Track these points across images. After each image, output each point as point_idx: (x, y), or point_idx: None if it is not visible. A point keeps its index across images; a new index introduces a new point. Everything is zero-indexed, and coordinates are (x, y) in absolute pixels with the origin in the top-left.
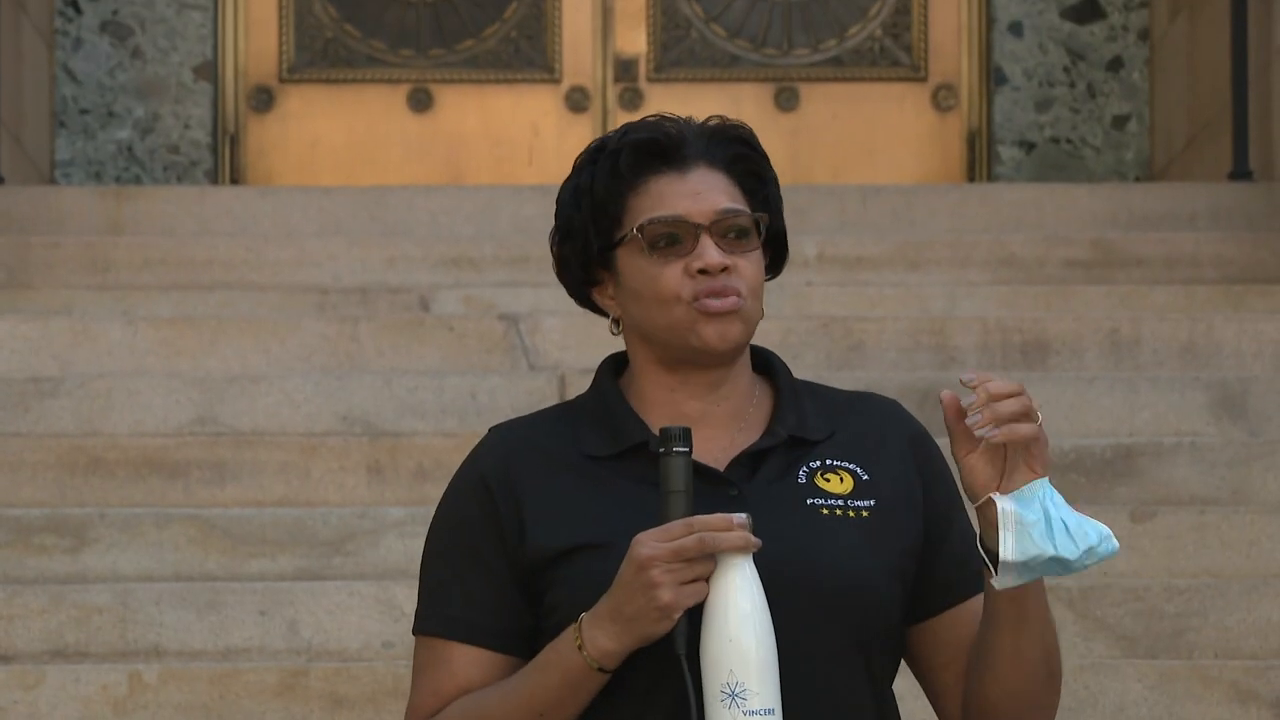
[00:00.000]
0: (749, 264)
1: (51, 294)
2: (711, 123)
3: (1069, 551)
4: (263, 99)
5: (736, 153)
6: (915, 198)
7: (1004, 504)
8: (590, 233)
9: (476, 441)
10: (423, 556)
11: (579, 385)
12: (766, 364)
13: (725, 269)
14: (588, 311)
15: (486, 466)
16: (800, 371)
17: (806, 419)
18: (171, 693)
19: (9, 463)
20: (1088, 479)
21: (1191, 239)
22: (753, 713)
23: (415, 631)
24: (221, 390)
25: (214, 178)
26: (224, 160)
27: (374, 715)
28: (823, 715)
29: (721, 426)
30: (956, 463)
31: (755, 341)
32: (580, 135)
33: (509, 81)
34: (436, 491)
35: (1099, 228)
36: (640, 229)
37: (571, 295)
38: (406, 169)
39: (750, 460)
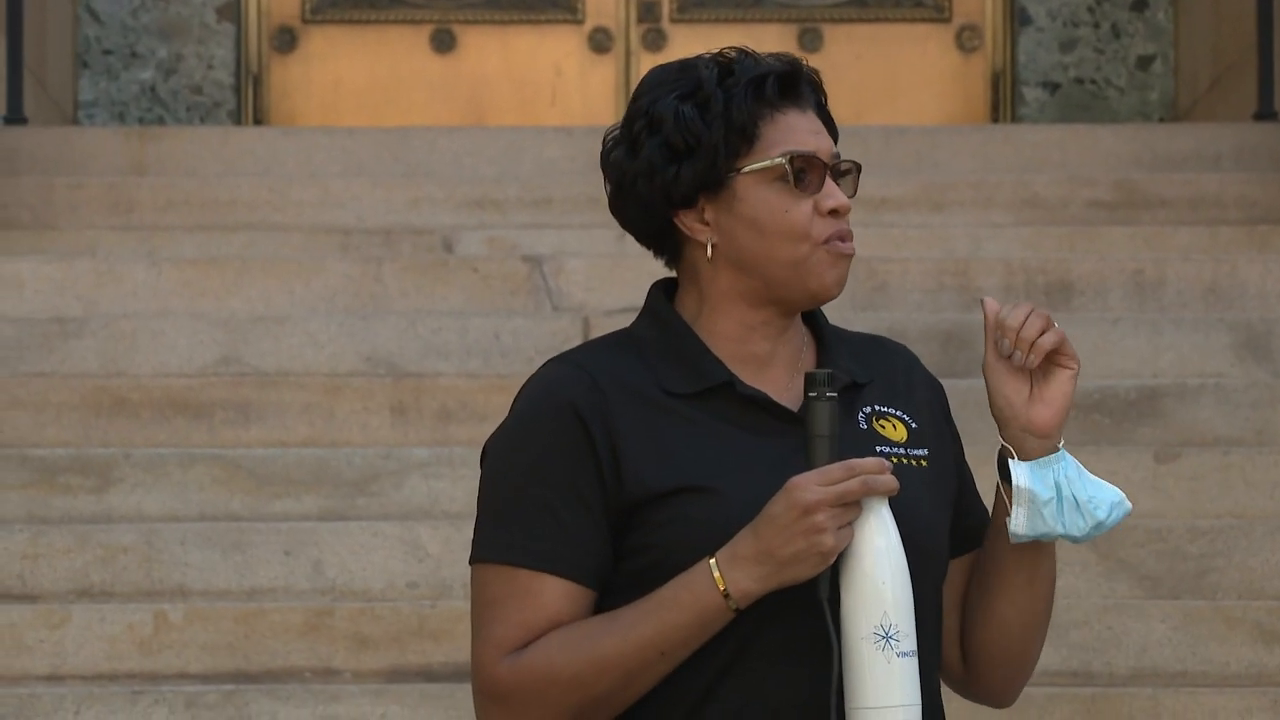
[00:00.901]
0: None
1: (76, 235)
2: (785, 59)
3: (1076, 529)
4: (285, 39)
5: (819, 100)
6: (939, 139)
7: (1019, 478)
8: (719, 153)
9: (501, 381)
10: (493, 482)
11: (602, 326)
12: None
13: (849, 210)
14: (611, 252)
15: (576, 395)
16: (825, 312)
17: (854, 363)
18: (197, 632)
19: (34, 403)
20: (1112, 420)
21: (1216, 180)
22: (905, 654)
23: (492, 559)
24: (245, 331)
25: (237, 118)
26: (247, 101)
27: (399, 655)
28: (921, 650)
29: (784, 367)
30: (986, 367)
31: None
32: (603, 76)
33: (532, 22)
34: (461, 432)
35: (1123, 169)
36: (789, 160)
37: (632, 222)
38: (429, 110)
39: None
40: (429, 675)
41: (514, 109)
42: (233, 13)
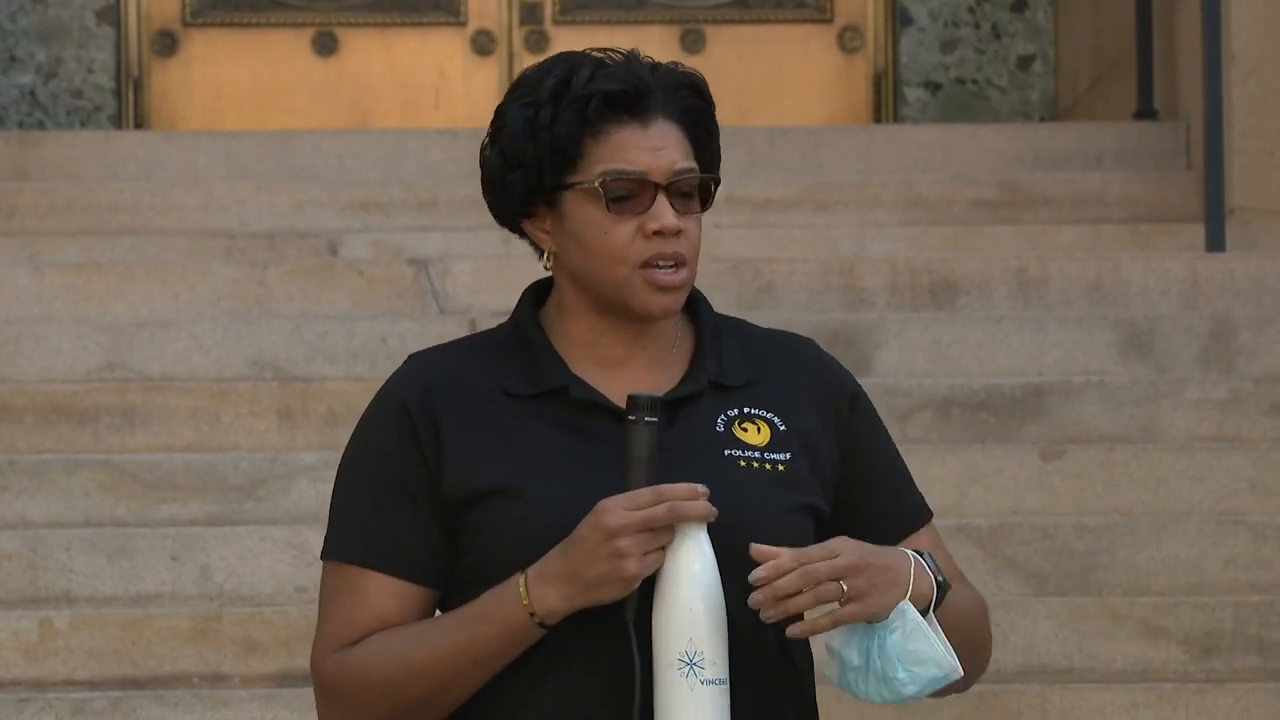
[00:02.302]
0: (695, 225)
1: None
2: (665, 66)
3: (880, 698)
4: (166, 43)
5: (690, 104)
6: (823, 139)
7: (831, 641)
8: (544, 169)
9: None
10: (337, 480)
11: (487, 327)
12: (689, 301)
13: (678, 232)
14: (498, 254)
15: (408, 394)
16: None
17: (726, 363)
18: (83, 639)
19: None
20: (997, 418)
21: (1098, 178)
22: (709, 681)
23: (327, 557)
24: (130, 336)
25: (118, 122)
26: (128, 105)
27: (287, 659)
28: (746, 671)
29: (644, 370)
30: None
31: None
32: (486, 78)
33: (414, 25)
34: (347, 436)
35: (1006, 168)
36: (601, 181)
37: (499, 220)
38: (313, 113)
39: (669, 407)
40: None
41: (397, 111)
42: (112, 16)
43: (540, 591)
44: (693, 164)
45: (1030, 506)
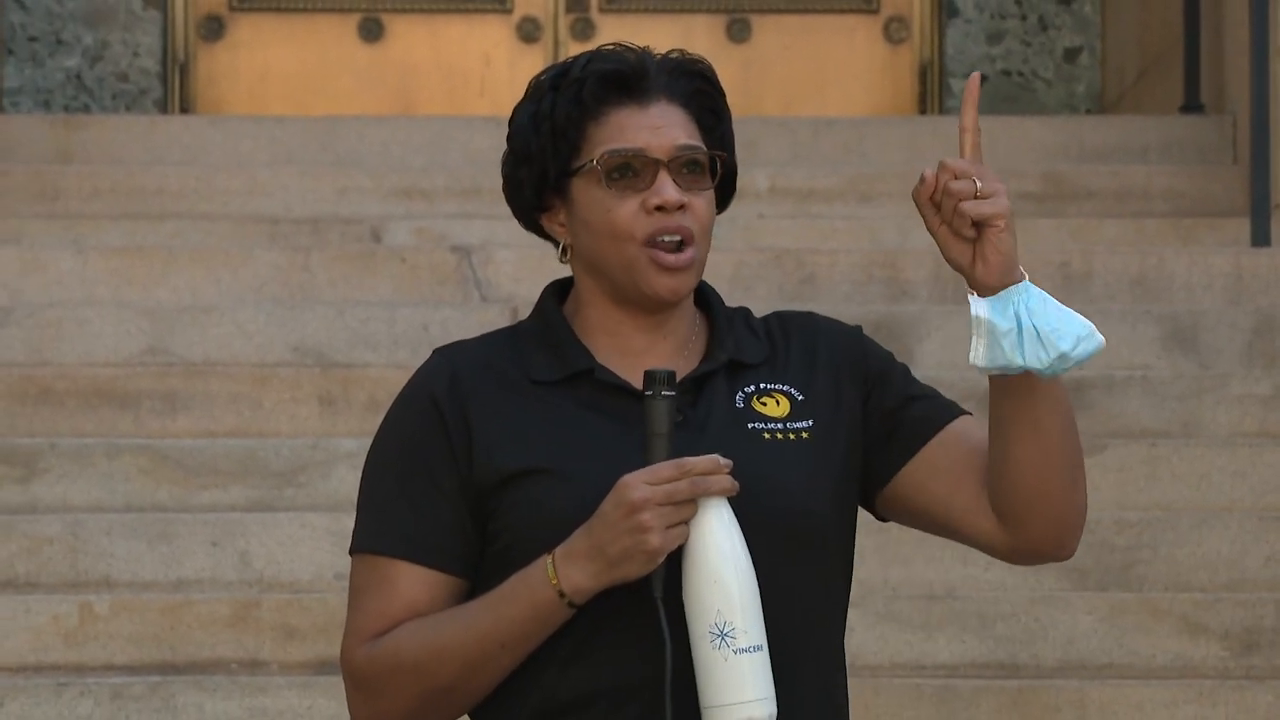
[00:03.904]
0: (703, 202)
1: (0, 224)
2: (672, 56)
3: (1038, 361)
4: (213, 27)
5: (696, 88)
6: (867, 130)
7: (977, 309)
8: (548, 158)
9: None
10: (365, 475)
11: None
12: (699, 292)
13: (681, 207)
14: (540, 243)
15: (436, 386)
16: (752, 304)
17: (742, 344)
18: (123, 623)
19: None
20: None
21: (1143, 172)
22: (742, 650)
23: (357, 550)
24: (172, 320)
25: (163, 107)
26: (173, 89)
27: (325, 646)
28: (788, 640)
29: (666, 358)
30: (930, 229)
31: (707, 273)
32: (532, 66)
33: (460, 11)
34: None
35: (1050, 160)
36: (599, 160)
37: (519, 220)
38: (357, 99)
39: (693, 385)
40: None
41: (442, 98)
42: (159, 0)
43: (567, 570)
44: (698, 143)
45: None
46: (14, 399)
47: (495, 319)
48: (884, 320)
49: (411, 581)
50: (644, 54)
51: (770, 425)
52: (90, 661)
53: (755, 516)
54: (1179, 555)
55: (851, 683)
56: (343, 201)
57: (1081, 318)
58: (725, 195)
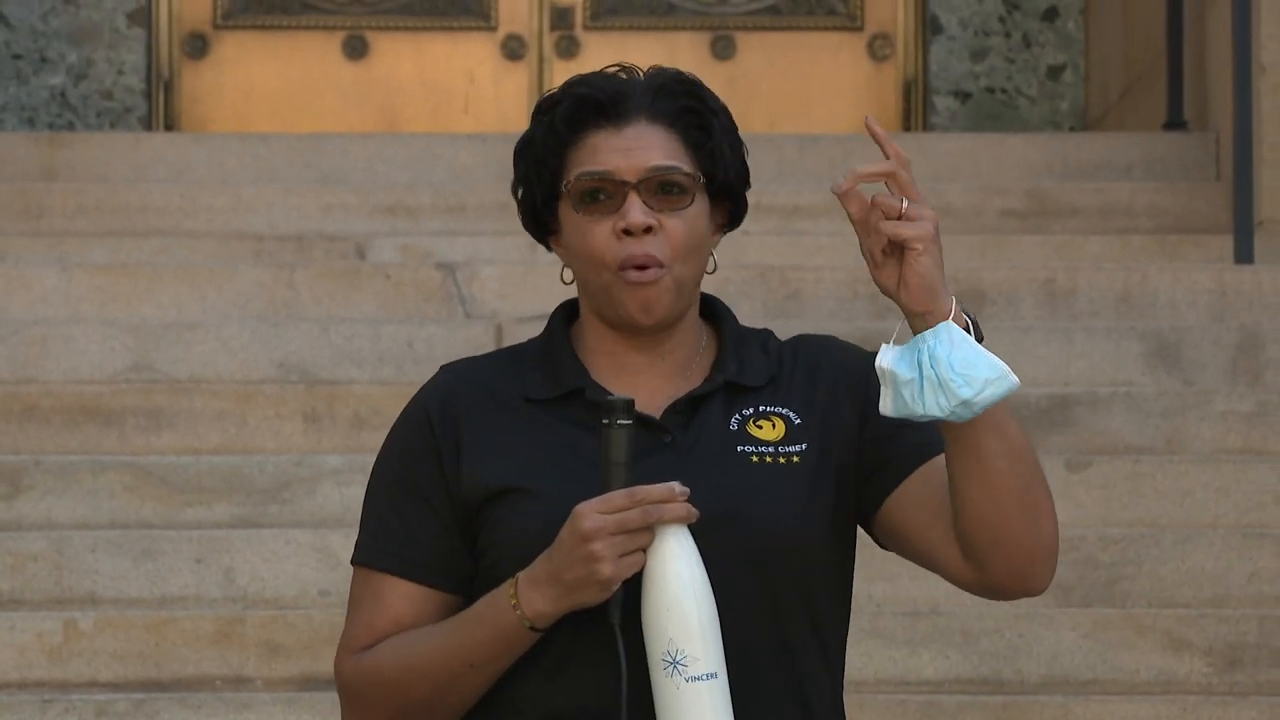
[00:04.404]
0: (680, 223)
1: None
2: (664, 73)
3: (938, 410)
4: (197, 45)
5: (682, 106)
6: (851, 147)
7: (881, 360)
8: (534, 184)
9: (414, 389)
10: (367, 488)
11: (516, 333)
12: (712, 311)
13: (649, 229)
14: (525, 260)
15: (431, 402)
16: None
17: (746, 365)
18: (107, 640)
19: None
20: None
21: (1126, 189)
22: (694, 678)
23: (354, 562)
24: (157, 337)
25: (148, 124)
26: (158, 107)
27: (310, 663)
28: (755, 669)
29: (666, 377)
30: (861, 249)
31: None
32: (516, 83)
33: (445, 29)
34: (373, 439)
35: (1034, 177)
36: (569, 184)
37: (544, 245)
38: (342, 116)
39: (688, 406)
40: None
41: (427, 116)
42: (144, 18)
43: (529, 594)
44: (675, 163)
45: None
46: None
47: (480, 336)
48: (868, 337)
49: (398, 596)
50: (632, 76)
51: (761, 449)
52: (75, 678)
53: (730, 543)
54: (1163, 571)
55: None
56: (327, 219)
57: (994, 360)
58: (738, 211)
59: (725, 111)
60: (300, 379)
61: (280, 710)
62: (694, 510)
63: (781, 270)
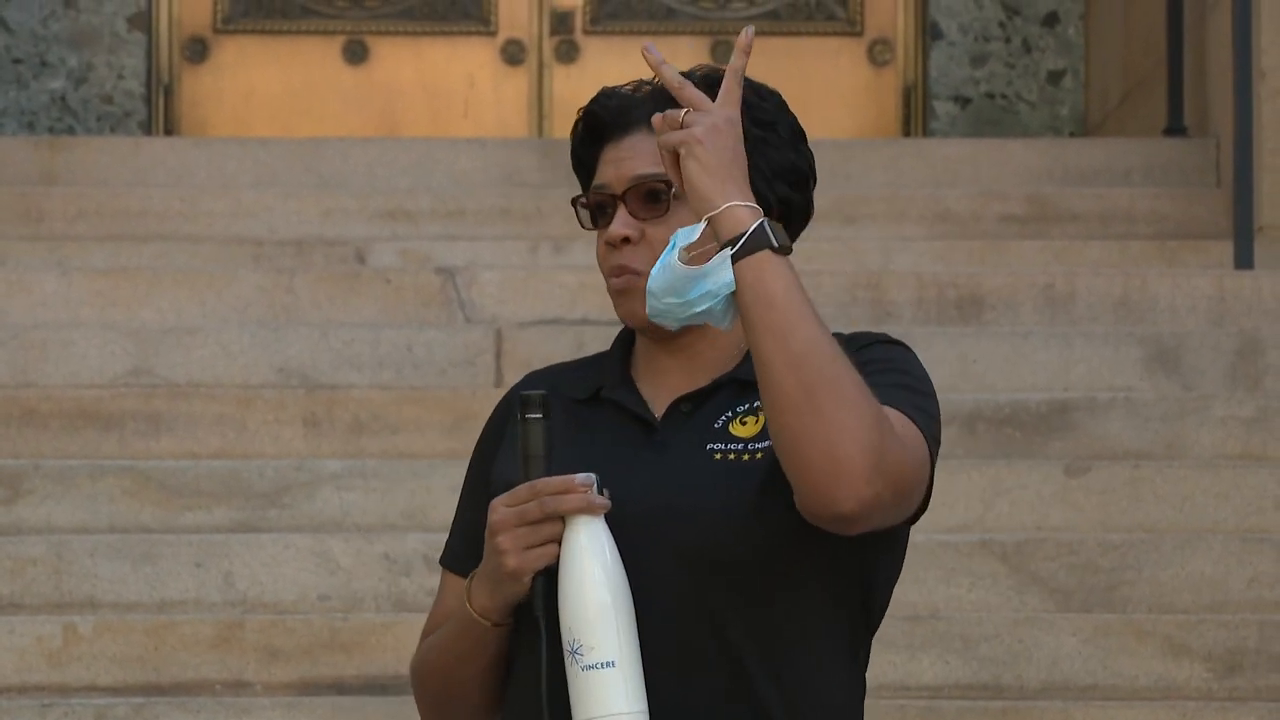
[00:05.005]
0: (662, 230)
1: None
2: (693, 75)
3: (668, 304)
4: (197, 49)
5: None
6: (851, 152)
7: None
8: (578, 197)
9: (414, 394)
10: None
11: (515, 338)
12: None
13: (626, 239)
14: (524, 264)
15: (500, 405)
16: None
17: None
18: (107, 644)
19: None
20: (1022, 433)
21: (1126, 194)
22: (589, 666)
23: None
24: (157, 341)
25: (148, 128)
26: (158, 111)
27: (310, 667)
28: (696, 667)
29: (690, 377)
30: None
31: None
32: (516, 88)
33: (445, 34)
34: (373, 444)
35: (1034, 183)
36: (574, 200)
37: None
38: (342, 120)
39: (690, 404)
40: (340, 688)
41: (427, 120)
42: (144, 22)
43: (475, 589)
44: (658, 169)
45: (1055, 522)
46: None
47: (479, 340)
48: None
49: (452, 590)
50: (640, 88)
51: (731, 446)
52: (74, 682)
53: (670, 537)
54: (1162, 577)
55: None
56: (327, 223)
57: (693, 276)
58: (789, 208)
59: (746, 111)
60: (300, 383)
61: (280, 715)
62: (596, 501)
63: None
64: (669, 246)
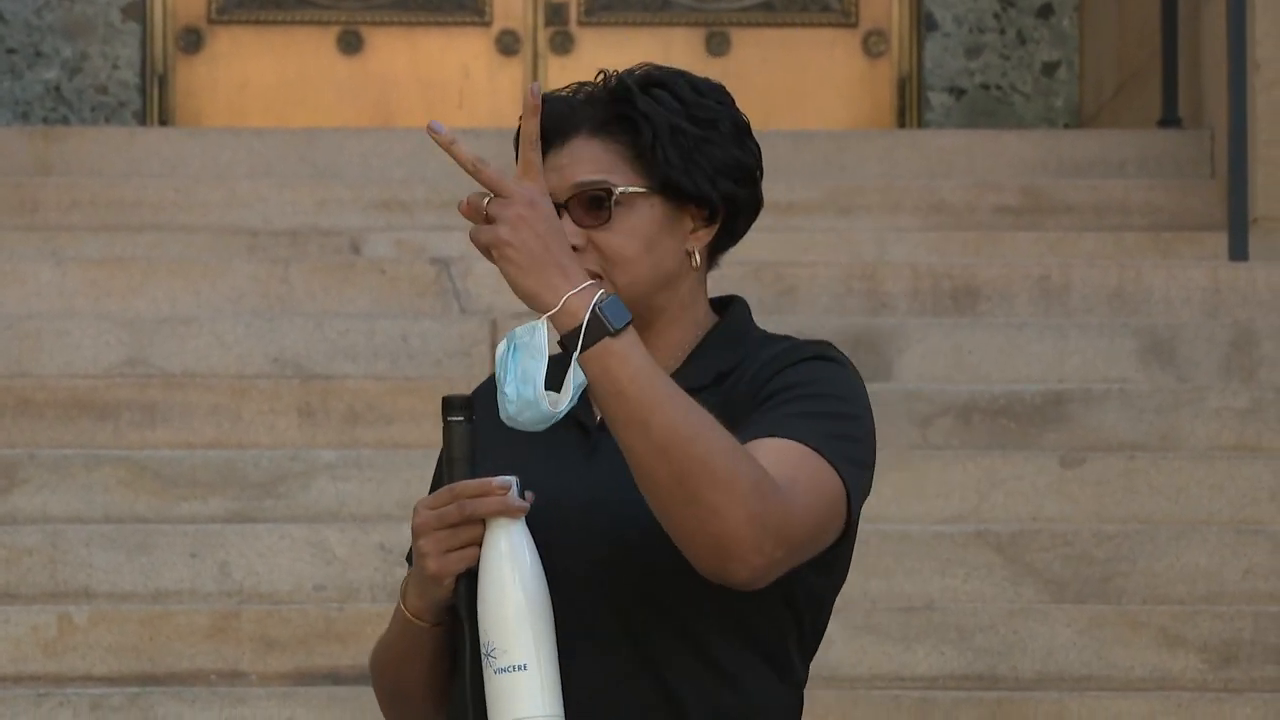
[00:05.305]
0: (611, 235)
1: None
2: (616, 76)
3: (501, 413)
4: (191, 39)
5: (616, 114)
6: (846, 143)
7: (497, 354)
8: None
9: (408, 384)
10: None
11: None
12: (724, 311)
13: (573, 248)
14: None
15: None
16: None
17: (697, 365)
18: (102, 634)
19: None
20: (1017, 424)
21: (1121, 186)
22: (501, 670)
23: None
24: (151, 331)
25: (142, 119)
26: (152, 101)
27: (305, 657)
28: (616, 670)
29: None
30: None
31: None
32: (511, 78)
33: (439, 24)
34: (368, 434)
35: (1029, 174)
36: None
37: None
38: (337, 111)
39: None
40: (336, 678)
41: (421, 110)
42: (138, 12)
43: (408, 589)
44: (601, 176)
45: (1050, 514)
46: None
47: (474, 330)
48: (863, 333)
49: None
50: (580, 91)
51: None
52: (69, 672)
53: (597, 543)
54: (1157, 568)
55: (830, 694)
56: (322, 213)
57: (539, 380)
58: (732, 206)
59: (680, 110)
60: (295, 374)
61: (275, 704)
62: (515, 503)
63: (776, 266)
64: (525, 338)
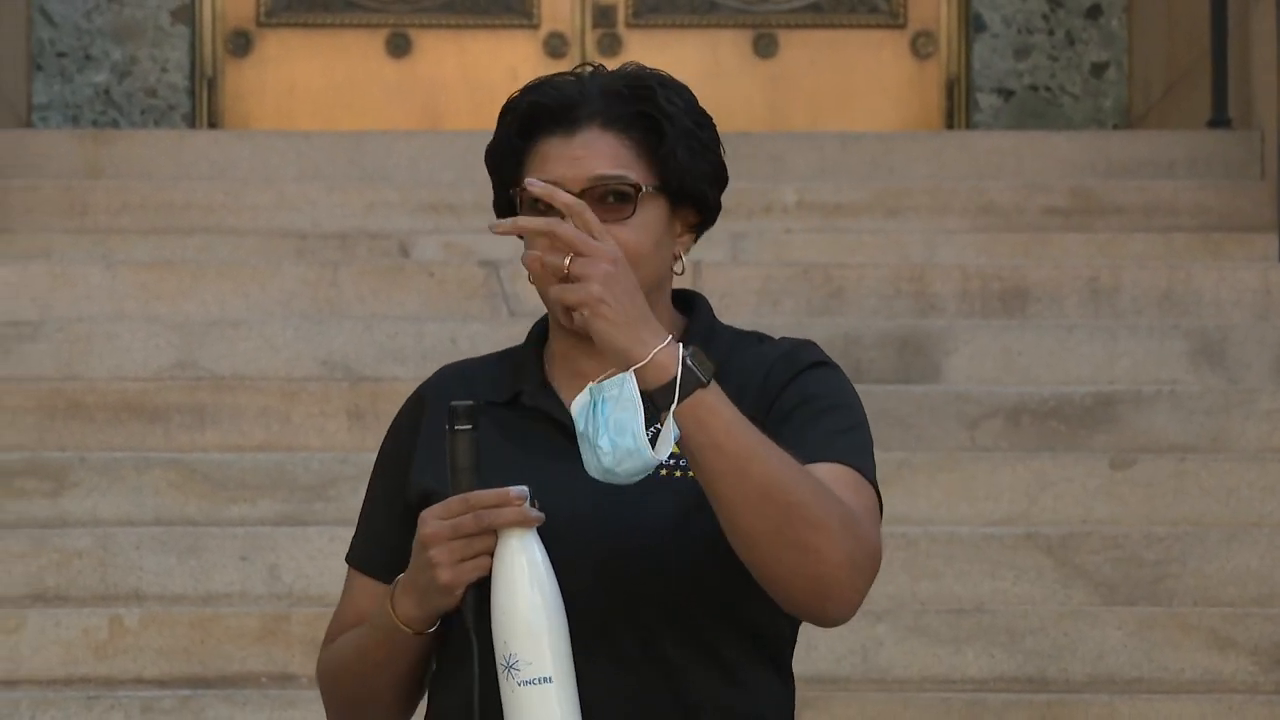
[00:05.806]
0: (625, 231)
1: (30, 238)
2: (623, 74)
3: (591, 468)
4: (240, 43)
5: (636, 110)
6: (894, 145)
7: (574, 409)
8: (496, 188)
9: None
10: None
11: None
12: (688, 307)
13: None
14: None
15: (407, 404)
16: (780, 318)
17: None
18: (152, 636)
19: None
20: (1067, 426)
21: (1170, 187)
22: (526, 682)
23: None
24: (201, 334)
25: (191, 122)
26: (201, 104)
27: None
28: (634, 681)
29: None
30: None
31: (735, 288)
32: None
33: (487, 26)
34: None
35: (1078, 175)
36: (517, 192)
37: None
38: (385, 114)
39: None
40: None
41: (470, 113)
42: (187, 15)
43: (400, 598)
44: (620, 172)
45: (1100, 516)
46: (44, 413)
47: (523, 333)
48: (911, 334)
49: (361, 590)
50: (586, 81)
51: (664, 461)
52: (120, 675)
53: (599, 553)
54: (1208, 570)
55: (880, 696)
56: (371, 216)
57: (640, 430)
58: (709, 212)
59: (688, 112)
60: (344, 376)
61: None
62: (531, 514)
63: (824, 268)
64: (612, 390)
